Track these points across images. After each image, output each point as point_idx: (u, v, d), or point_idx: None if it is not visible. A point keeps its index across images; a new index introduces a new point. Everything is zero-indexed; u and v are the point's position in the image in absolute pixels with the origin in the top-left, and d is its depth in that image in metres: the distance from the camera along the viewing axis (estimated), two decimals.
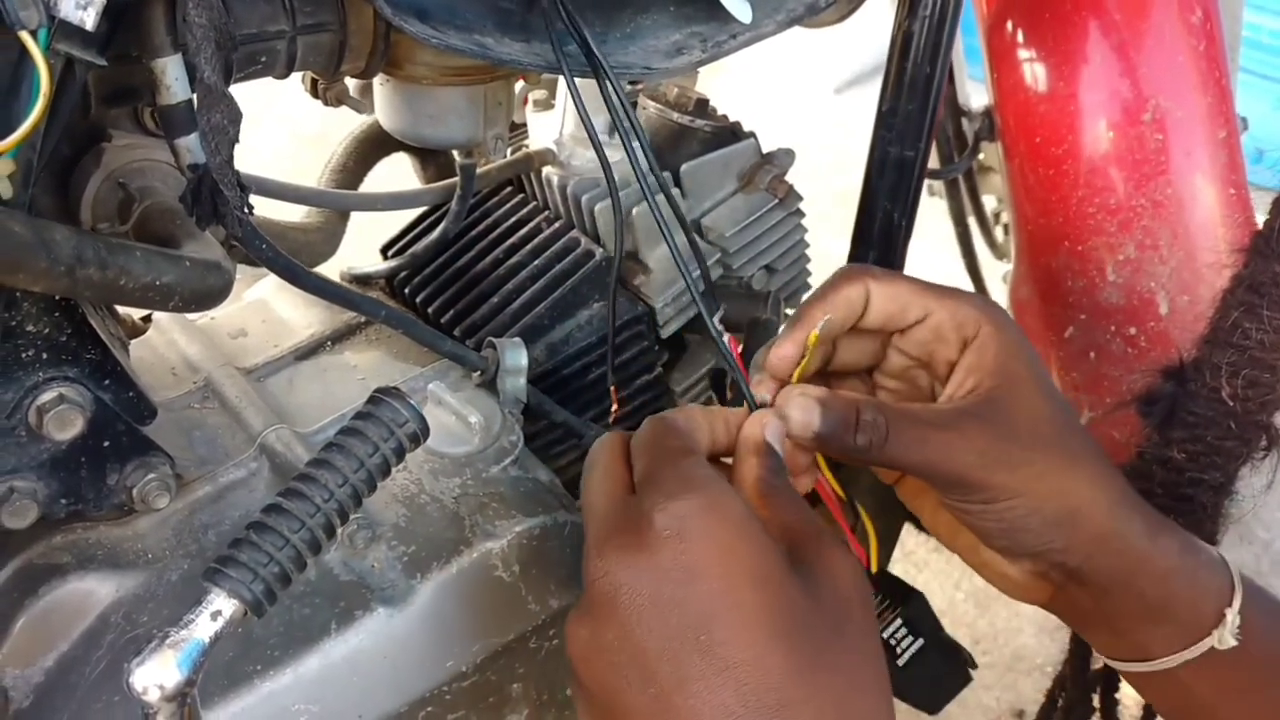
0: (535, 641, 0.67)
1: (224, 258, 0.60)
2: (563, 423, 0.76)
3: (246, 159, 0.57)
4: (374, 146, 0.85)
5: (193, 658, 0.48)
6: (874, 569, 0.68)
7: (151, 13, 0.52)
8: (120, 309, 0.82)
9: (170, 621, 0.49)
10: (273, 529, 0.50)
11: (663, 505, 0.49)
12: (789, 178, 0.91)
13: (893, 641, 0.73)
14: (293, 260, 0.62)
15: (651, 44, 0.72)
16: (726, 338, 0.64)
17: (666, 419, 0.56)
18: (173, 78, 0.54)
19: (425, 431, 0.54)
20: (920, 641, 0.74)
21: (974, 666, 0.79)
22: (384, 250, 0.88)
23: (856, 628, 0.50)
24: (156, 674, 0.47)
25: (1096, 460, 0.61)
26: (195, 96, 0.52)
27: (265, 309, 0.81)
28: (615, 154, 0.82)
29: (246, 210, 0.56)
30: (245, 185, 0.56)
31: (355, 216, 0.91)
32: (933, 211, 1.36)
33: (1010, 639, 1.63)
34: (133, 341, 0.79)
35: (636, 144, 0.65)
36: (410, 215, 0.89)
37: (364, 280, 0.86)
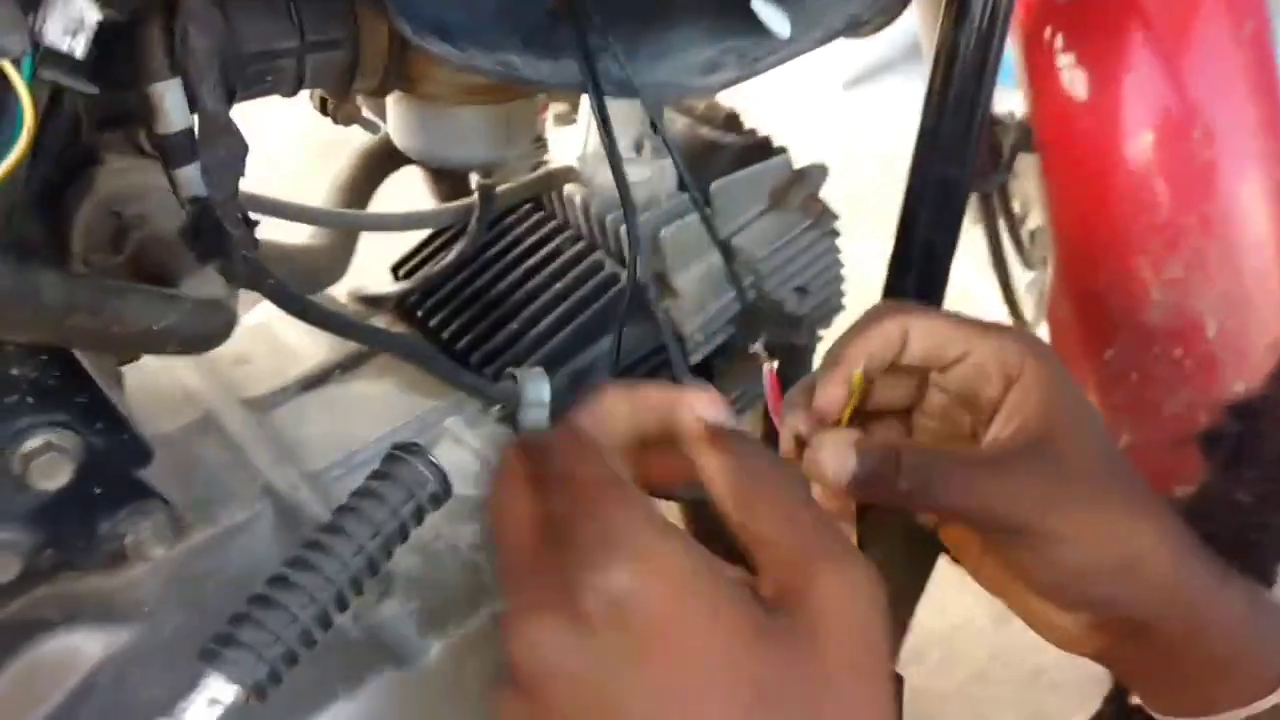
0: None
1: (227, 295, 0.56)
2: None
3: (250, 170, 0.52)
4: (383, 161, 0.81)
5: None
6: None
7: (147, 36, 0.47)
8: None
9: (162, 685, 0.45)
10: (280, 605, 0.46)
11: (590, 579, 0.40)
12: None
13: None
14: (303, 298, 0.57)
15: (684, 60, 0.68)
16: (766, 368, 0.59)
17: (573, 429, 0.48)
18: (171, 104, 0.49)
19: (448, 491, 0.50)
20: None
21: None
22: (394, 270, 0.84)
23: (856, 684, 0.42)
24: None
25: (1156, 506, 0.56)
26: (197, 126, 0.48)
27: (269, 334, 0.77)
28: (640, 171, 0.78)
29: (252, 246, 0.52)
30: (251, 220, 0.52)
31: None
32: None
33: (1029, 655, 1.59)
34: (125, 367, 0.75)
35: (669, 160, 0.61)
36: (422, 233, 0.84)
37: (374, 302, 0.82)
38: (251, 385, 0.73)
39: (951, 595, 1.65)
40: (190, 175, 0.50)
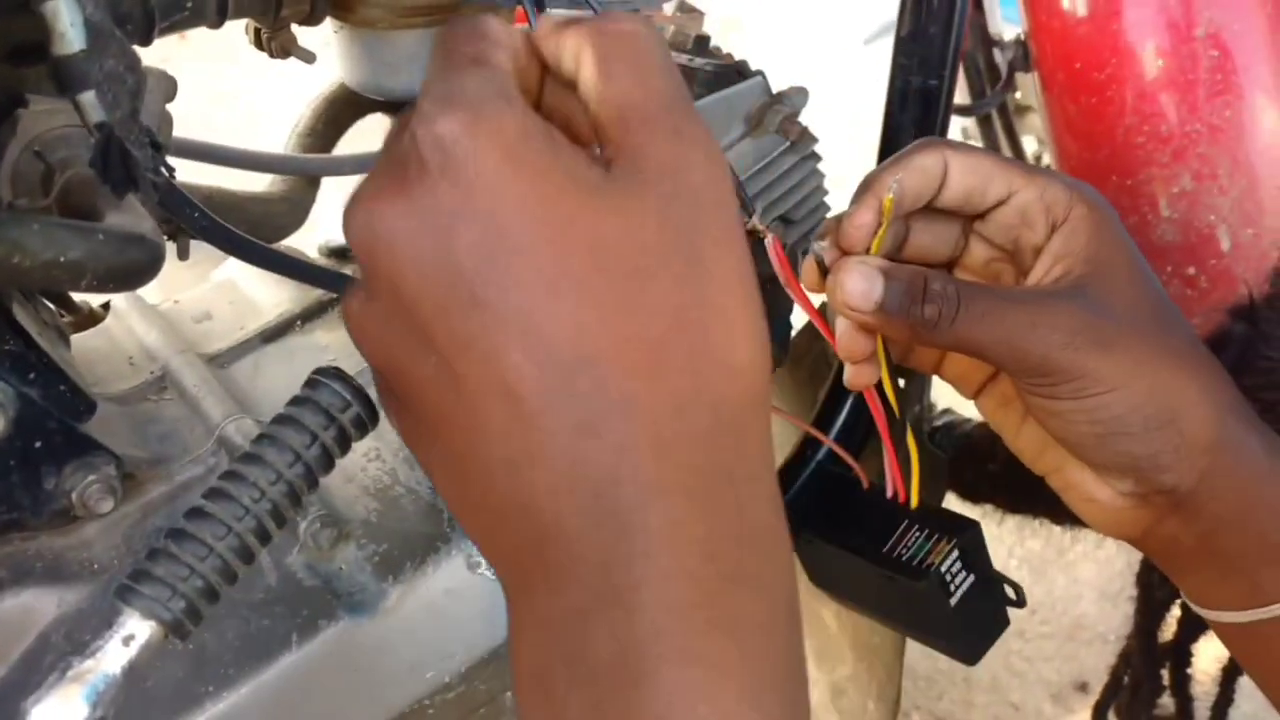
0: None
1: (151, 230, 0.53)
2: None
3: None
4: (345, 107, 0.78)
5: (100, 692, 0.41)
6: (912, 503, 0.61)
7: None
8: (77, 295, 0.77)
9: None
10: (194, 536, 0.43)
11: (424, 131, 0.36)
12: (805, 120, 0.82)
13: (947, 577, 0.65)
14: (233, 229, 0.55)
15: None
16: (770, 239, 0.56)
17: (475, 21, 0.41)
18: (67, 23, 0.46)
19: (374, 416, 0.47)
20: (972, 578, 0.65)
21: (1023, 605, 0.69)
22: None
23: (705, 236, 0.37)
24: (57, 714, 0.40)
25: (1205, 360, 0.53)
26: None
27: (233, 290, 0.75)
28: None
29: (163, 171, 0.49)
30: (160, 143, 0.49)
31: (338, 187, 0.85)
32: None
33: (1069, 606, 1.54)
34: (89, 331, 0.73)
35: None
36: None
37: (340, 253, 0.79)
38: (213, 341, 0.71)
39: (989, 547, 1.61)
40: (93, 100, 0.47)
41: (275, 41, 0.62)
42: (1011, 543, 1.62)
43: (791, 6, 3.06)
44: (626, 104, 0.38)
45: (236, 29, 0.64)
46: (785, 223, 0.82)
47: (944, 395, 0.94)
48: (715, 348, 0.37)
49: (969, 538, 0.64)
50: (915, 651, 1.53)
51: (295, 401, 0.46)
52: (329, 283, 0.58)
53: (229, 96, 2.65)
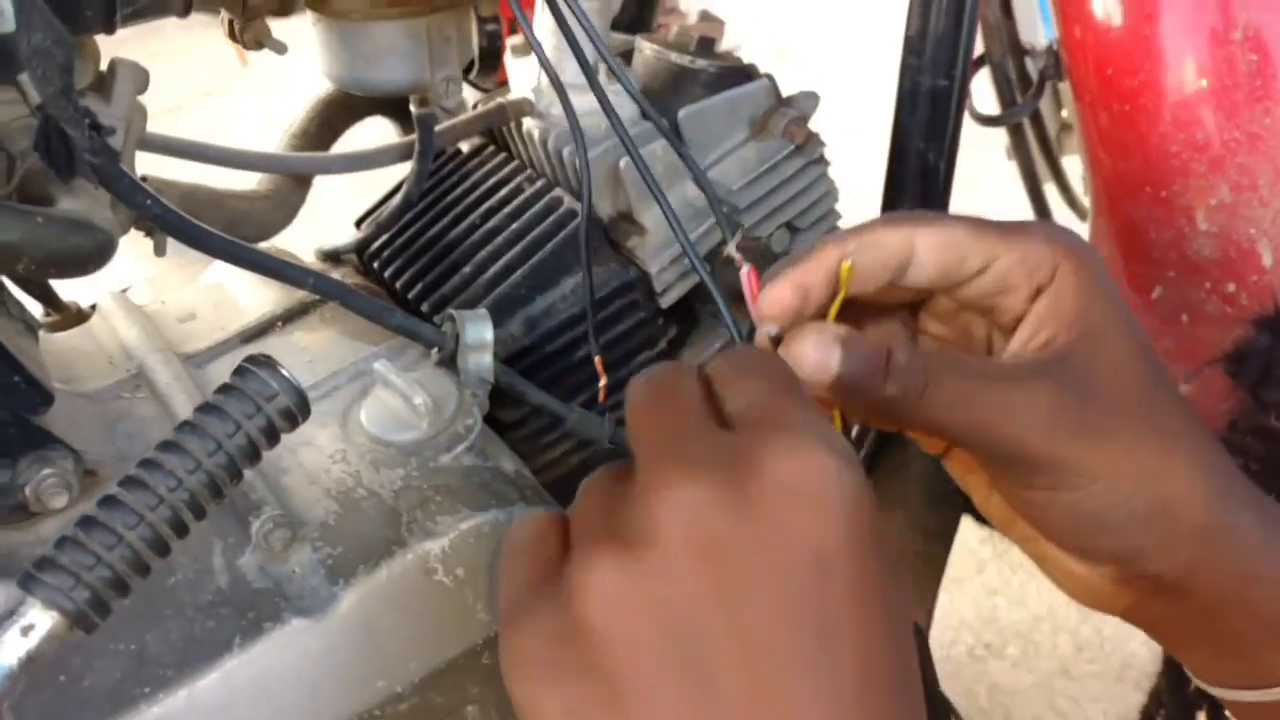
0: (489, 657, 0.58)
1: (102, 217, 0.52)
2: (539, 406, 0.67)
3: None
4: (339, 109, 0.77)
5: None
6: None
7: None
8: (65, 294, 0.76)
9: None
10: (103, 525, 0.42)
11: (779, 433, 0.36)
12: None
13: None
14: (187, 216, 0.53)
15: None
16: (744, 271, 0.53)
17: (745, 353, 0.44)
18: (6, 2, 0.46)
19: (304, 408, 0.45)
20: None
21: None
22: (358, 223, 0.80)
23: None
24: None
25: (1198, 437, 0.47)
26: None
27: (219, 291, 0.73)
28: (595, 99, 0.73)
29: (104, 151, 0.48)
30: (100, 124, 0.48)
31: (340, 191, 0.84)
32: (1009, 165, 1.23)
33: (1118, 646, 1.47)
34: (73, 330, 0.72)
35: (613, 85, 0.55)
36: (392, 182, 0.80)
37: (334, 257, 0.78)
38: (194, 340, 0.70)
39: (1031, 584, 1.55)
40: (29, 80, 0.46)
41: (248, 33, 0.61)
42: None
43: (844, 38, 3.03)
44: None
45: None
46: (791, 230, 0.79)
47: None
48: None
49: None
50: (957, 691, 1.48)
51: (222, 390, 0.45)
52: (285, 275, 0.56)
53: (278, 122, 2.68)
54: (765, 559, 0.35)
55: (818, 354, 0.45)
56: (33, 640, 0.40)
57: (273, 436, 0.45)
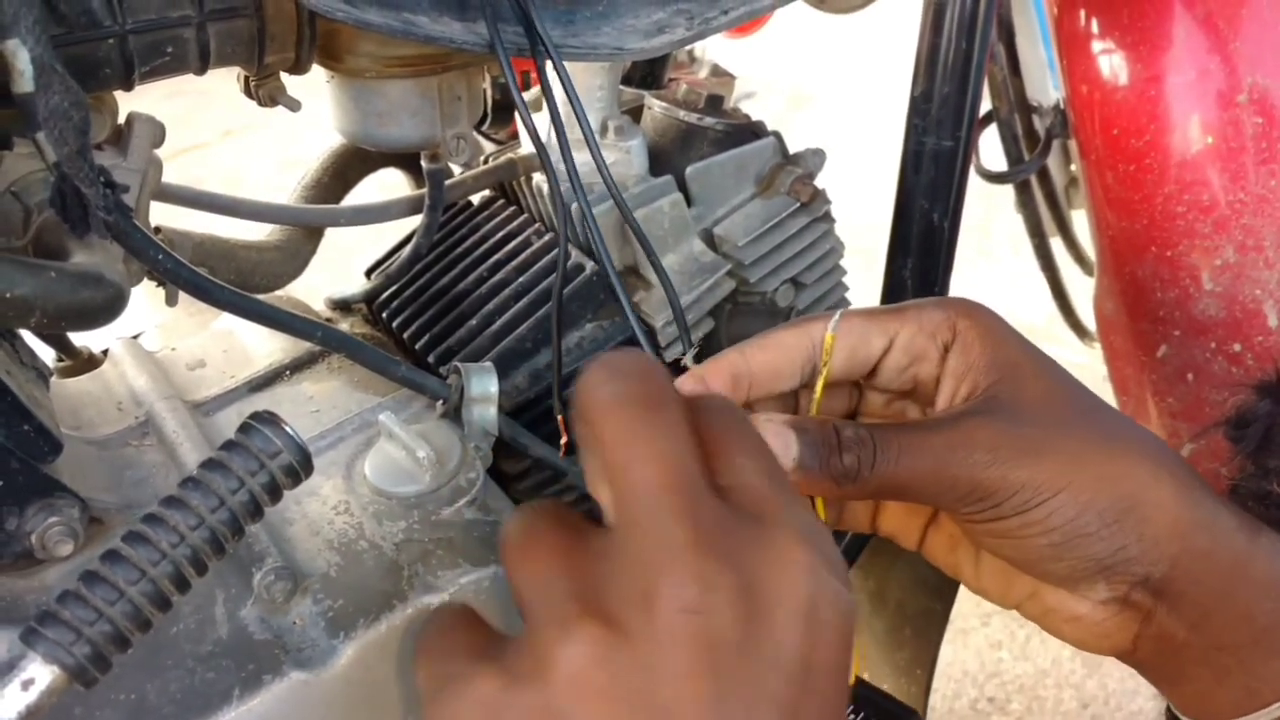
0: None
1: (114, 271, 0.53)
2: (542, 459, 0.67)
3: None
4: (352, 161, 0.78)
5: None
6: (856, 671, 0.56)
7: None
8: (77, 339, 0.77)
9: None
10: (105, 580, 0.42)
11: (796, 548, 0.37)
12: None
13: None
14: (197, 271, 0.54)
15: (629, 23, 0.64)
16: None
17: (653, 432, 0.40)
18: (25, 61, 0.47)
19: (307, 465, 0.46)
20: None
21: None
22: (368, 273, 0.81)
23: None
24: None
25: (1152, 440, 0.49)
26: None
27: (230, 339, 0.74)
28: (609, 155, 0.74)
29: (117, 209, 0.49)
30: (115, 182, 0.49)
31: (350, 244, 0.85)
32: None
33: (1124, 702, 1.45)
34: (84, 375, 0.73)
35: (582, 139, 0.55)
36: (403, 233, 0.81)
37: (343, 306, 0.79)
38: (203, 388, 0.70)
39: (1036, 638, 1.54)
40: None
41: (263, 90, 0.62)
42: None
43: (861, 85, 3.05)
44: None
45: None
46: (796, 286, 0.79)
47: None
48: None
49: None
50: None
51: (226, 446, 0.45)
52: (294, 328, 0.57)
53: (298, 162, 2.72)
54: (761, 675, 0.34)
55: (776, 441, 0.47)
56: (32, 695, 0.41)
57: (275, 493, 0.45)
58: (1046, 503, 0.47)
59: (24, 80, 0.47)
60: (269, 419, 0.45)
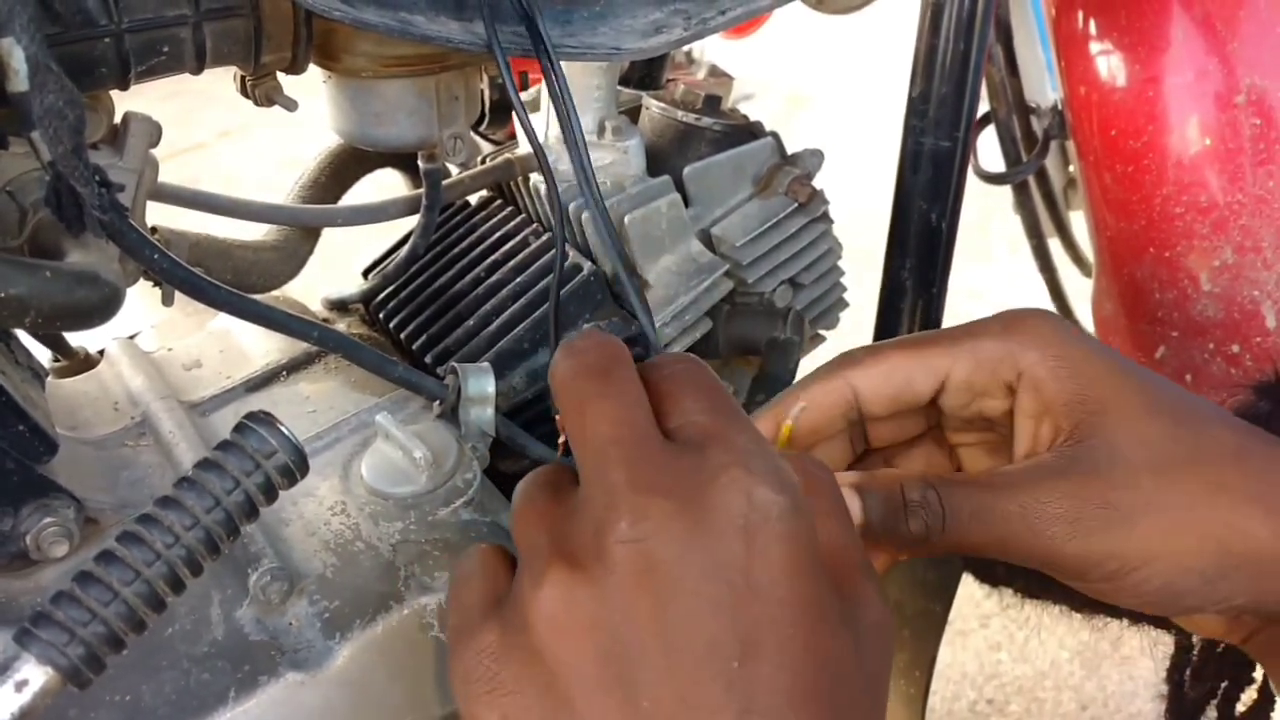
0: None
1: (109, 270, 0.53)
2: (539, 459, 0.67)
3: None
4: (350, 161, 0.78)
5: None
6: None
7: None
8: (73, 340, 0.77)
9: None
10: (99, 580, 0.42)
11: (730, 467, 0.37)
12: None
13: None
14: (192, 270, 0.54)
15: (626, 23, 0.64)
16: None
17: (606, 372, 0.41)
18: (20, 60, 0.46)
19: (301, 465, 0.46)
20: None
21: None
22: (365, 273, 0.81)
23: (882, 687, 0.39)
24: None
25: (1250, 458, 0.44)
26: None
27: (226, 339, 0.74)
28: (601, 155, 0.74)
29: (112, 208, 0.48)
30: (110, 181, 0.49)
31: (349, 242, 0.84)
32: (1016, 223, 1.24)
33: (1124, 704, 1.45)
34: (81, 376, 0.73)
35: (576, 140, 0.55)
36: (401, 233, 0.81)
37: (340, 306, 0.79)
38: (200, 388, 0.70)
39: (1035, 639, 1.53)
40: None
41: (260, 89, 0.62)
42: (1062, 633, 1.54)
43: (860, 85, 3.05)
44: (838, 552, 0.40)
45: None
46: (794, 286, 0.79)
47: None
48: None
49: None
50: None
51: (221, 446, 0.45)
52: (292, 329, 0.57)
53: (296, 161, 2.72)
54: (698, 585, 0.36)
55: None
56: (26, 696, 0.40)
57: (271, 493, 0.45)
58: (1137, 571, 0.43)
59: (19, 79, 0.46)
60: (264, 419, 0.45)
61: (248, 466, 0.44)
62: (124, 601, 0.42)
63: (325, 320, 0.79)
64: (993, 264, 2.27)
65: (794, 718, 0.35)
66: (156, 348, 0.75)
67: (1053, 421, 0.45)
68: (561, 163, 0.75)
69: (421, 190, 0.71)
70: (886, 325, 0.77)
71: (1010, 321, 0.47)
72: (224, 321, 0.77)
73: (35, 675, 0.41)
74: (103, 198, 0.48)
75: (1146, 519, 0.43)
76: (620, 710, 0.35)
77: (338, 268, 0.92)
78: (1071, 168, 1.28)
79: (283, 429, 0.45)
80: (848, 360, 0.49)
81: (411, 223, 0.76)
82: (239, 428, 0.45)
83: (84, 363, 0.74)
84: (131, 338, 0.76)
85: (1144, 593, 0.43)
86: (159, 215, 0.68)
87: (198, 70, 0.58)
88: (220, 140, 3.13)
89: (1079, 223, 1.27)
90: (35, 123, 0.45)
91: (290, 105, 0.62)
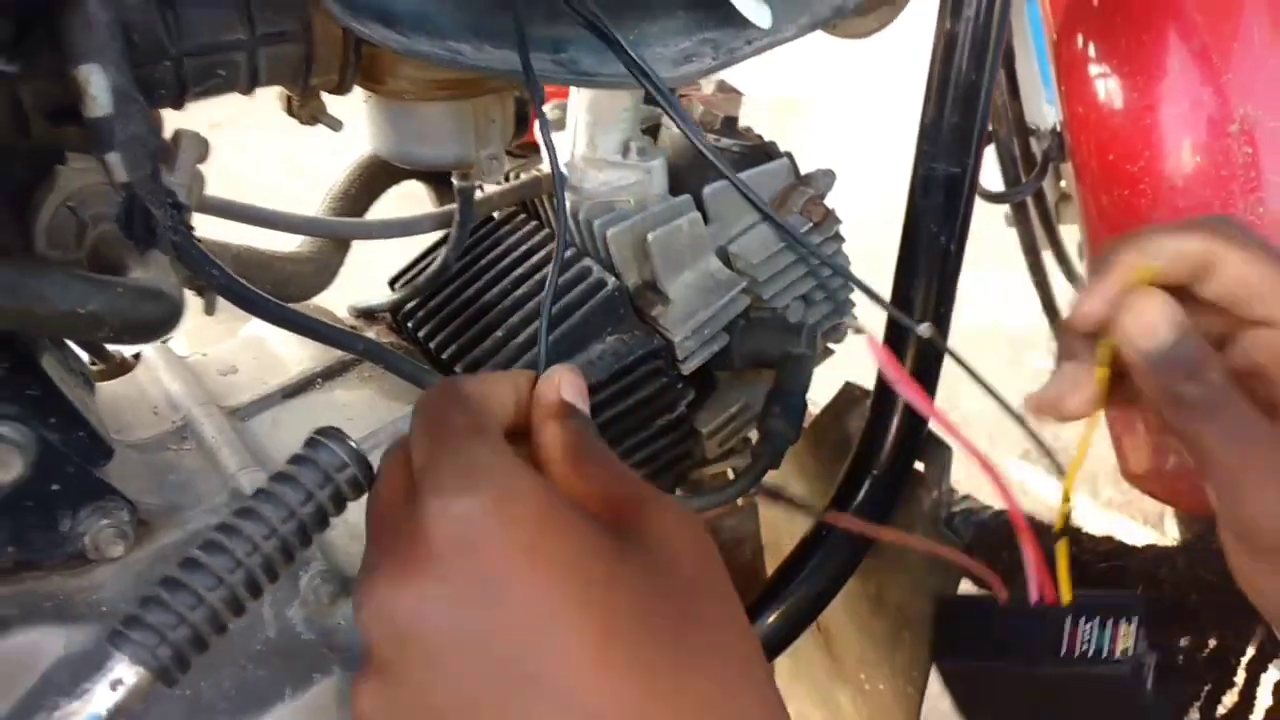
0: None
1: (170, 285, 0.55)
2: None
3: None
4: (379, 173, 0.81)
5: None
6: (1065, 600, 0.58)
7: (69, 15, 0.47)
8: (111, 345, 0.79)
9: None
10: (186, 586, 0.44)
11: (440, 510, 0.38)
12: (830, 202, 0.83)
13: (1142, 658, 0.59)
14: (249, 286, 0.56)
15: (657, 51, 0.67)
16: (870, 339, 0.59)
17: (455, 386, 0.45)
18: (98, 87, 0.49)
19: (370, 478, 0.48)
20: (1156, 654, 0.60)
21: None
22: (392, 283, 0.83)
23: (712, 603, 0.40)
24: None
25: None
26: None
27: (259, 345, 0.76)
28: (626, 174, 0.76)
29: (183, 229, 0.51)
30: (181, 203, 0.51)
31: (371, 251, 0.87)
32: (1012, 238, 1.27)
33: None
34: (118, 380, 0.75)
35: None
36: (425, 245, 0.84)
37: (368, 314, 0.81)
38: (236, 394, 0.73)
39: None
40: (118, 160, 0.50)
41: (305, 109, 0.64)
42: None
43: (850, 90, 3.08)
44: (614, 496, 0.42)
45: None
46: (806, 302, 0.82)
47: (963, 483, 0.93)
48: (750, 705, 0.38)
49: (1143, 609, 0.58)
50: None
51: (295, 460, 0.48)
52: (338, 341, 0.60)
53: (304, 168, 2.73)
54: (458, 647, 0.37)
55: (1158, 319, 0.45)
56: (120, 694, 0.43)
57: (340, 505, 0.48)
58: None
59: (97, 105, 0.49)
60: (334, 434, 0.47)
61: (319, 480, 0.47)
62: (209, 606, 0.44)
63: (353, 328, 0.82)
64: (984, 275, 2.30)
65: (610, 678, 0.36)
66: (190, 353, 0.77)
67: None
68: (586, 181, 0.78)
69: (450, 206, 0.74)
70: (895, 345, 0.80)
71: None
72: (256, 328, 0.79)
73: (128, 675, 0.43)
74: (175, 219, 0.50)
75: None
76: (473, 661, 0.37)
77: (350, 276, 0.94)
78: (1064, 183, 1.32)
79: (351, 443, 0.48)
80: (1222, 230, 0.47)
81: (434, 235, 0.79)
82: (310, 442, 0.48)
83: (120, 367, 0.76)
84: (164, 342, 0.78)
85: None
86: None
87: (248, 91, 0.61)
88: (209, 134, 3.11)
89: (1070, 237, 1.32)
90: (117, 147, 0.48)
91: (335, 125, 0.64)
